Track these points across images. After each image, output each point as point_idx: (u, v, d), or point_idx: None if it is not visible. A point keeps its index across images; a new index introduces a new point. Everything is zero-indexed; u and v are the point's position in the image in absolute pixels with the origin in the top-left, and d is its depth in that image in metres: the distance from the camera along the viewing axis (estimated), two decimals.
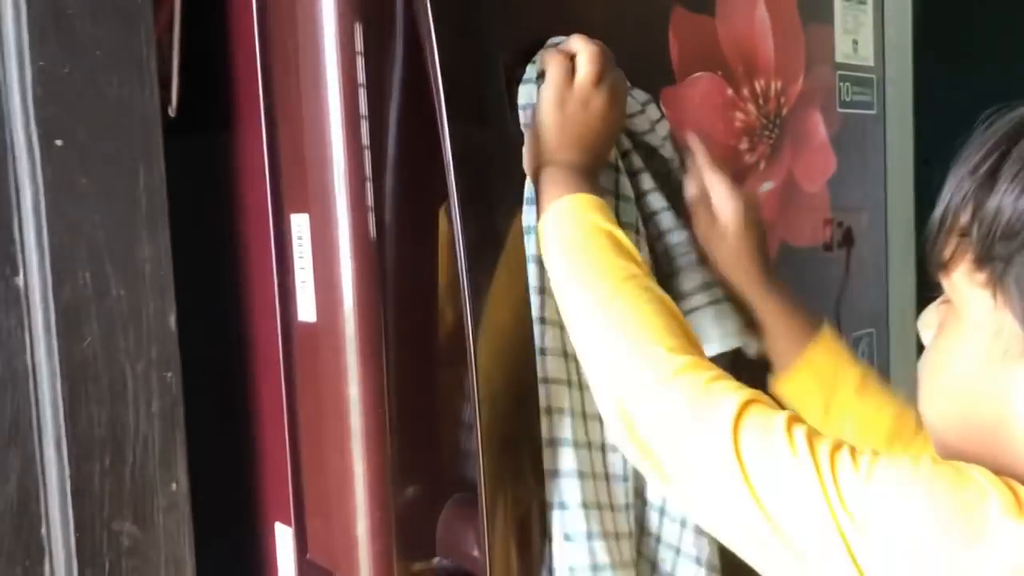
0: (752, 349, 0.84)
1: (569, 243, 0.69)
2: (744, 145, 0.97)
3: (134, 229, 0.76)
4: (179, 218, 0.77)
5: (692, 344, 0.65)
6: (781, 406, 0.60)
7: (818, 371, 0.82)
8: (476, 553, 0.73)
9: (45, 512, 0.74)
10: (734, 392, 0.59)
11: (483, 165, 0.72)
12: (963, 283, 0.57)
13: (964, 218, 0.56)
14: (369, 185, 0.72)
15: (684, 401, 0.60)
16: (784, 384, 0.83)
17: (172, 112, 0.79)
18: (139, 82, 0.76)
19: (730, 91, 0.94)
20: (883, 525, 0.52)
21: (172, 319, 0.77)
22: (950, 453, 0.59)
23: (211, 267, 0.86)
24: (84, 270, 0.74)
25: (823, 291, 1.07)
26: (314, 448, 0.78)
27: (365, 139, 0.72)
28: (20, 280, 0.73)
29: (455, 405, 0.75)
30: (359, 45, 0.71)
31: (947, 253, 0.57)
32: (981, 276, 0.55)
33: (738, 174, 0.96)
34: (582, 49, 0.74)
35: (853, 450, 0.54)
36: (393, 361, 0.73)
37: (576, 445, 0.75)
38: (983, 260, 0.55)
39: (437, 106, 0.69)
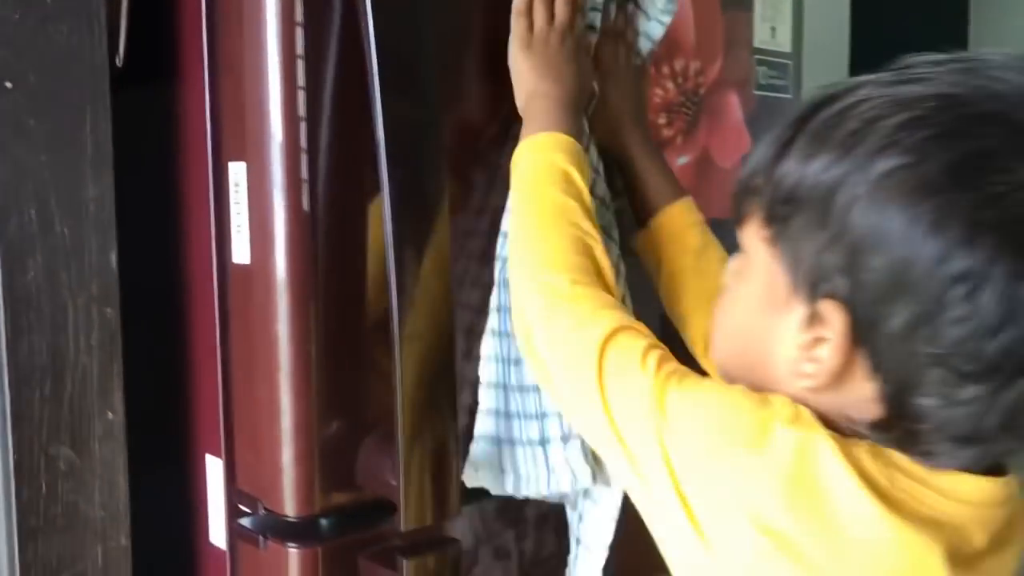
0: None
1: (524, 178, 0.79)
2: (662, 120, 1.03)
3: (79, 170, 0.80)
4: (124, 162, 0.82)
5: (596, 282, 0.73)
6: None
7: (665, 230, 0.91)
8: (393, 482, 0.79)
9: None
10: (612, 318, 0.67)
11: (411, 123, 0.78)
12: (752, 238, 0.63)
13: (758, 181, 0.61)
14: (303, 136, 0.77)
15: (568, 320, 0.69)
16: (636, 239, 0.92)
17: (119, 61, 0.84)
18: (88, 31, 0.80)
19: (651, 69, 1.01)
20: (686, 426, 0.60)
21: (113, 257, 0.82)
22: (731, 382, 0.66)
23: (153, 210, 0.90)
24: (30, 207, 0.78)
25: None
26: (244, 383, 0.84)
27: (301, 96, 0.77)
28: None
29: (378, 345, 0.81)
30: (298, 5, 0.76)
31: (743, 210, 0.63)
32: (765, 233, 0.61)
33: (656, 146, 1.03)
34: None
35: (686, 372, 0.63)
36: (321, 302, 0.79)
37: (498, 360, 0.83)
38: (767, 219, 0.60)
39: (368, 66, 0.75)
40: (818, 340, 0.58)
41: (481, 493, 0.85)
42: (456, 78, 0.87)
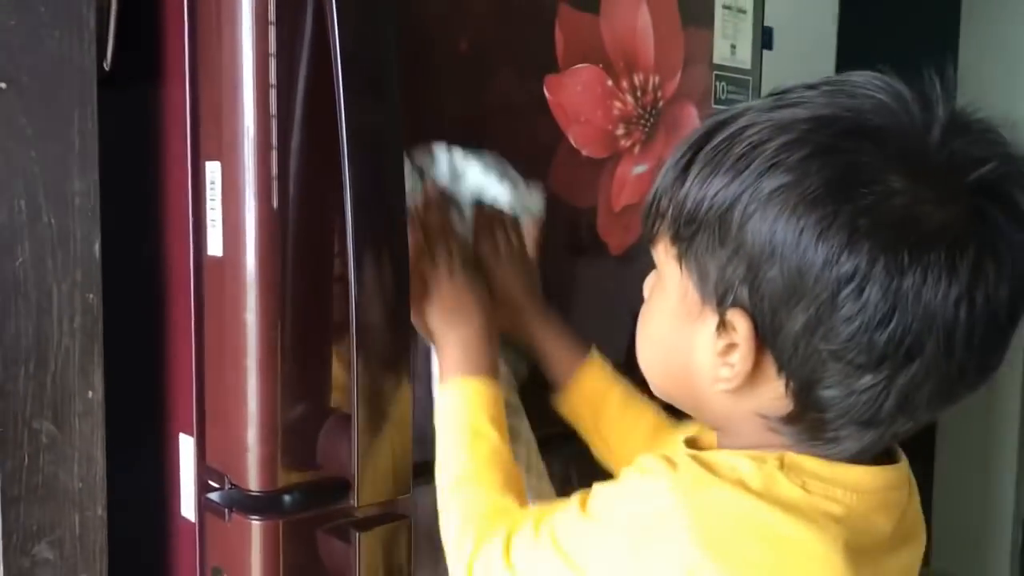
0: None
1: (446, 430, 0.86)
2: (620, 131, 1.09)
3: (67, 166, 0.86)
4: (110, 159, 0.88)
5: (486, 512, 0.81)
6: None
7: (586, 393, 0.97)
8: (349, 462, 0.85)
9: None
10: (466, 557, 0.78)
11: (372, 124, 0.84)
12: (662, 255, 0.68)
13: (664, 203, 0.66)
14: (274, 137, 0.83)
15: (457, 563, 0.80)
16: (560, 405, 0.98)
17: (107, 66, 0.90)
18: (79, 37, 0.87)
19: (610, 82, 1.07)
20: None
21: (97, 247, 0.88)
22: (660, 392, 0.74)
23: (135, 204, 0.96)
24: (20, 198, 0.84)
25: None
26: (216, 367, 0.90)
27: (272, 95, 0.83)
28: None
29: (339, 335, 0.87)
30: (272, 15, 0.83)
31: (652, 231, 0.69)
32: (674, 250, 0.66)
33: (613, 156, 1.09)
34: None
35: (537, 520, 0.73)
36: (287, 294, 0.85)
37: None
38: (674, 239, 0.66)
39: (335, 73, 0.81)
40: (730, 346, 0.63)
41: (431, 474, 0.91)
42: (418, 81, 0.93)
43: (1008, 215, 0.59)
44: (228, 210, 0.86)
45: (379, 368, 0.85)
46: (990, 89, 2.73)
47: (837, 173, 0.58)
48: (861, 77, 0.62)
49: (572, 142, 1.05)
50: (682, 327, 0.67)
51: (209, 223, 0.88)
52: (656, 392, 0.76)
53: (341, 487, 0.87)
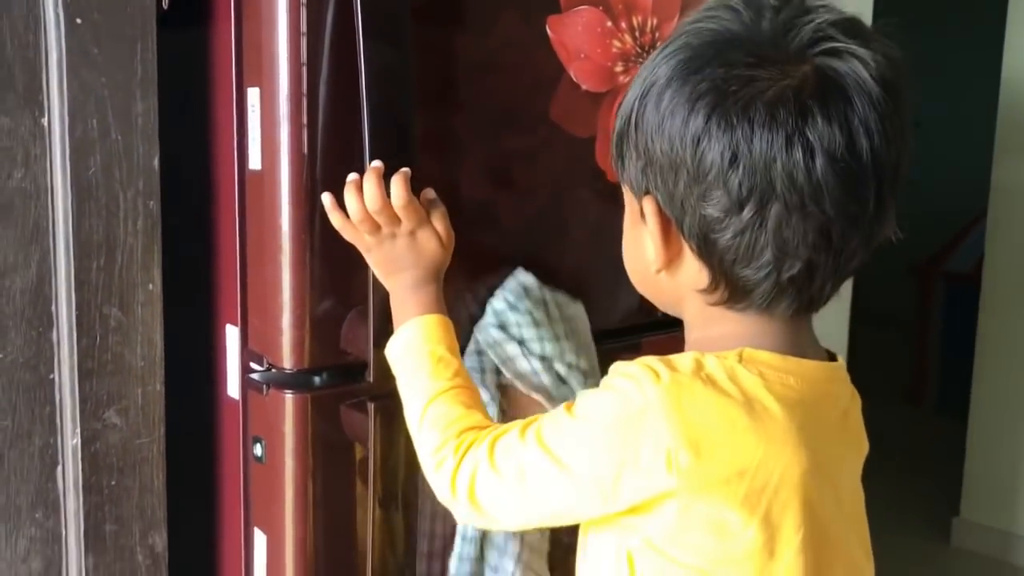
0: None
1: (401, 370, 0.92)
2: (619, 68, 1.21)
3: (131, 90, 1.01)
4: (168, 87, 1.03)
5: (462, 428, 0.86)
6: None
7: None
8: (367, 346, 1.00)
9: (55, 294, 1.01)
10: (449, 470, 0.83)
11: (388, 62, 0.98)
12: (628, 190, 0.79)
13: (627, 142, 0.76)
14: (304, 70, 0.98)
15: (439, 481, 0.85)
16: None
17: (164, 4, 1.05)
18: None
19: (609, 23, 1.19)
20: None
21: (156, 160, 1.04)
22: (648, 297, 0.84)
23: (188, 126, 1.12)
24: (92, 117, 1.00)
25: None
26: (257, 265, 1.05)
27: (303, 41, 0.97)
28: (45, 120, 0.99)
29: None
30: None
31: (618, 166, 0.79)
32: (620, 173, 0.78)
33: (612, 91, 1.21)
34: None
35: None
36: (317, 201, 0.99)
37: None
38: (633, 181, 0.77)
39: (355, 17, 0.95)
40: (652, 229, 0.75)
41: None
42: (429, 23, 1.05)
43: (843, 64, 0.69)
44: (266, 129, 1.01)
45: None
46: None
47: (695, 55, 0.71)
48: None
49: (573, 77, 1.17)
50: (636, 234, 0.79)
51: (250, 141, 1.03)
52: (639, 289, 0.85)
53: (361, 369, 1.02)
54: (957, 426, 3.08)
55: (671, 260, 0.76)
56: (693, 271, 0.76)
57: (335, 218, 0.94)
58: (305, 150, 0.99)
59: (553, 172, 1.18)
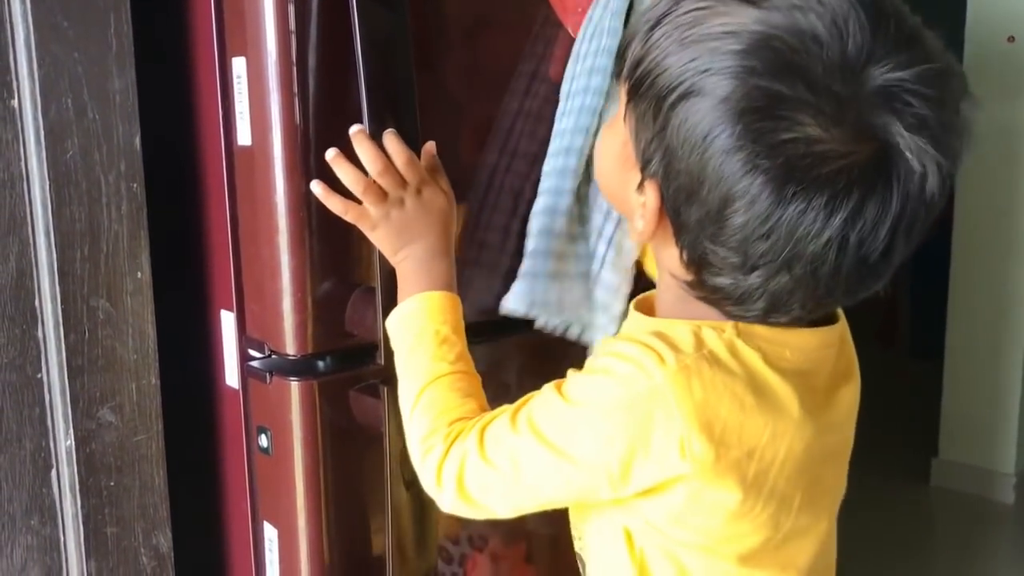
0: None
1: (400, 345, 0.86)
2: None
3: (106, 65, 0.94)
4: (146, 61, 0.96)
5: (454, 418, 0.81)
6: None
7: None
8: (374, 325, 0.94)
9: (38, 287, 0.95)
10: (436, 459, 0.78)
11: (382, 23, 0.91)
12: (621, 96, 0.71)
13: (630, 53, 0.68)
14: (294, 33, 0.91)
15: (425, 470, 0.80)
16: None
17: None
18: None
19: None
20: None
21: (137, 140, 0.97)
22: (607, 197, 0.80)
23: (170, 99, 1.05)
24: (66, 97, 0.93)
25: None
26: (251, 247, 0.99)
27: (290, 5, 0.91)
28: (15, 102, 0.92)
29: None
30: None
31: (620, 68, 0.71)
32: (626, 100, 0.69)
33: None
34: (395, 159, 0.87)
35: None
36: (313, 176, 0.93)
37: None
38: (627, 90, 0.69)
39: None
40: (644, 202, 0.69)
41: None
42: None
43: (918, 181, 0.62)
44: (255, 102, 0.94)
45: None
46: None
47: (759, 98, 0.61)
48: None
49: (571, 32, 1.11)
50: (621, 166, 0.72)
51: (238, 115, 0.96)
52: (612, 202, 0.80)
53: (369, 351, 0.97)
54: (931, 367, 3.10)
55: (657, 237, 0.71)
56: (673, 261, 0.71)
57: (334, 203, 0.87)
58: (299, 122, 0.93)
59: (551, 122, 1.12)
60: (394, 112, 0.92)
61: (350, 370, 0.99)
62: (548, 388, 0.75)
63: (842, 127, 0.61)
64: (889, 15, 0.63)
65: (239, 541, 1.07)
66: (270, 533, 1.02)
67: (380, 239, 0.88)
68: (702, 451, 0.67)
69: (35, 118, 0.92)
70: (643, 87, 0.66)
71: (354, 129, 0.86)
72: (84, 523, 0.99)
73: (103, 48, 0.94)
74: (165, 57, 1.04)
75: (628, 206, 0.72)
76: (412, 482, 0.98)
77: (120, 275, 0.98)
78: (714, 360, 0.68)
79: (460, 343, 0.86)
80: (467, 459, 0.77)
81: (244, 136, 0.96)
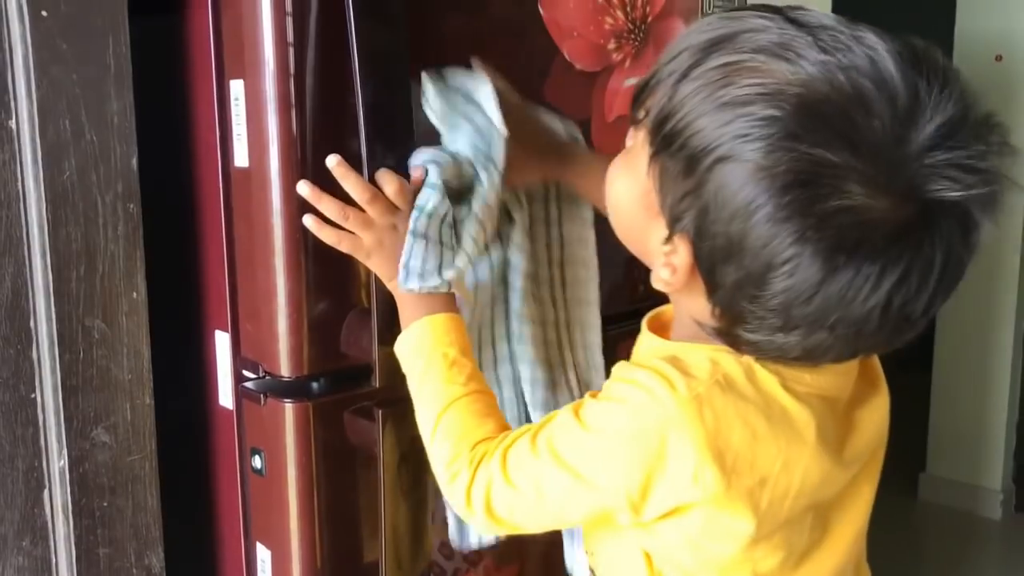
0: None
1: (411, 372, 0.87)
2: (612, 45, 1.17)
3: (104, 87, 0.95)
4: (143, 81, 0.96)
5: (476, 440, 0.82)
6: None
7: None
8: (370, 348, 0.95)
9: (33, 307, 0.94)
10: (463, 484, 0.79)
11: (381, 44, 0.92)
12: (641, 143, 0.71)
13: (653, 100, 0.67)
14: (291, 56, 0.92)
15: (454, 494, 0.81)
16: None
17: None
18: None
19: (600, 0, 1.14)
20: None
21: (134, 161, 0.97)
22: (627, 245, 0.78)
23: (168, 121, 1.05)
24: (64, 117, 0.93)
25: None
26: (247, 268, 0.99)
27: (289, 22, 0.91)
28: (13, 123, 0.92)
29: None
30: None
31: (639, 115, 0.71)
32: (649, 149, 0.68)
33: (606, 70, 1.17)
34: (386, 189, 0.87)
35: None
36: None
37: None
38: (651, 141, 0.68)
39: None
40: (671, 253, 0.69)
41: None
42: (421, 2, 1.00)
43: (961, 233, 0.62)
44: (252, 124, 0.95)
45: None
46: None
47: (805, 167, 0.60)
48: (865, 48, 0.61)
49: (566, 56, 1.12)
50: (642, 213, 0.72)
51: (235, 137, 0.97)
52: (620, 236, 0.79)
53: (364, 373, 0.97)
54: (918, 381, 3.12)
55: (685, 288, 0.70)
56: (699, 309, 0.71)
57: (327, 234, 0.87)
58: (296, 144, 0.93)
59: None
60: (391, 135, 0.92)
61: (345, 392, 0.99)
62: (566, 411, 0.75)
63: (889, 191, 0.60)
64: (921, 59, 0.61)
65: (232, 562, 1.07)
66: (263, 554, 1.02)
67: (377, 266, 0.89)
68: (713, 480, 0.67)
69: (33, 139, 0.92)
70: (673, 145, 0.65)
71: (331, 161, 0.86)
72: (76, 544, 0.98)
73: (101, 70, 0.94)
74: (162, 78, 1.04)
75: (647, 252, 0.72)
76: (406, 504, 0.99)
77: (116, 295, 0.98)
78: (728, 385, 0.69)
79: (469, 363, 0.87)
80: (492, 483, 0.78)
81: (241, 158, 0.96)
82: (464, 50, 1.03)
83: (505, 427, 0.84)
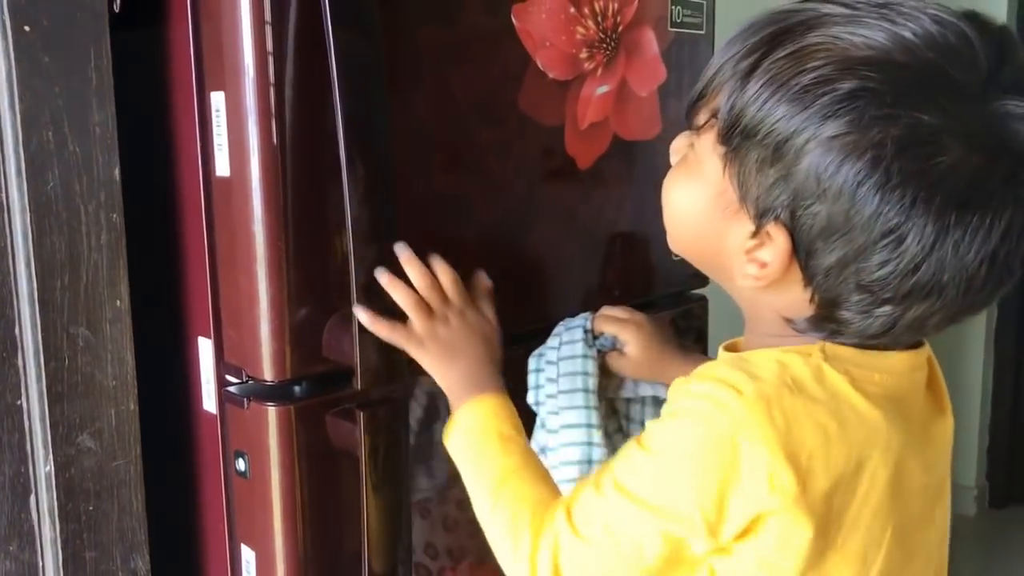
0: None
1: (464, 455, 0.88)
2: (584, 54, 1.20)
3: (86, 99, 0.96)
4: (125, 94, 0.98)
5: (534, 503, 0.80)
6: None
7: None
8: (352, 351, 0.97)
9: (18, 315, 0.96)
10: (526, 552, 0.76)
11: (357, 52, 0.94)
12: (707, 147, 0.70)
13: (718, 101, 0.67)
14: (271, 68, 0.94)
15: (517, 564, 0.78)
16: None
17: (117, 8, 1.00)
18: None
19: (572, 9, 1.17)
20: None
21: (117, 171, 0.99)
22: (686, 258, 0.78)
23: (149, 132, 1.07)
24: (47, 129, 0.95)
25: (652, 174, 1.32)
26: (229, 275, 1.01)
27: (268, 31, 0.93)
28: None
29: (338, 241, 0.98)
30: None
31: (700, 120, 0.70)
32: (721, 149, 0.68)
33: (578, 78, 1.20)
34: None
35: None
36: (289, 205, 0.96)
37: None
38: (723, 140, 0.68)
39: (323, 7, 0.91)
40: (759, 247, 0.68)
41: None
42: (396, 13, 1.02)
43: None
44: (233, 135, 0.97)
45: (373, 268, 0.96)
46: None
47: (899, 132, 0.60)
48: (927, 14, 0.62)
49: (540, 66, 1.15)
50: (715, 217, 0.71)
51: (216, 147, 0.99)
52: (679, 254, 0.79)
53: (345, 376, 0.99)
54: None
55: (774, 284, 0.70)
56: (789, 302, 0.71)
57: (380, 327, 0.91)
58: (277, 154, 0.95)
59: (525, 162, 1.16)
60: (369, 144, 0.95)
61: (327, 395, 1.01)
62: (629, 445, 0.73)
63: (983, 145, 0.61)
64: (979, 19, 0.63)
65: (217, 563, 1.09)
66: (247, 555, 1.04)
67: (429, 357, 0.92)
68: (789, 483, 0.65)
69: (16, 151, 0.93)
70: (755, 137, 0.66)
71: (401, 250, 0.91)
72: (63, 548, 1.00)
73: (83, 82, 0.96)
74: (142, 89, 1.06)
75: (722, 256, 0.72)
76: (388, 505, 1.01)
77: (100, 303, 1.00)
78: (797, 387, 0.67)
79: (521, 438, 0.86)
80: (560, 542, 0.74)
81: (223, 167, 0.98)
82: (439, 60, 1.06)
83: (559, 491, 0.83)
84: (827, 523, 0.68)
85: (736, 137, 0.67)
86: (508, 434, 0.86)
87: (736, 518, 0.67)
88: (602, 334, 1.05)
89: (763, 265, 0.68)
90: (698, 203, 0.73)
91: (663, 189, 0.78)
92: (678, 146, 0.77)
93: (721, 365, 0.71)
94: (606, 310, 1.06)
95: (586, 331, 1.04)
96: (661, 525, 0.69)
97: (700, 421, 0.67)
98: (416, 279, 0.90)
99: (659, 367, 1.04)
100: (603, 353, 1.05)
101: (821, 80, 0.62)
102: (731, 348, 0.80)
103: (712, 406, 0.67)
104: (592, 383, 1.00)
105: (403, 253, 0.93)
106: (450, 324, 0.91)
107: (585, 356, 1.01)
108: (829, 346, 0.70)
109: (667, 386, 0.86)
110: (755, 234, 0.68)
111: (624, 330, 1.04)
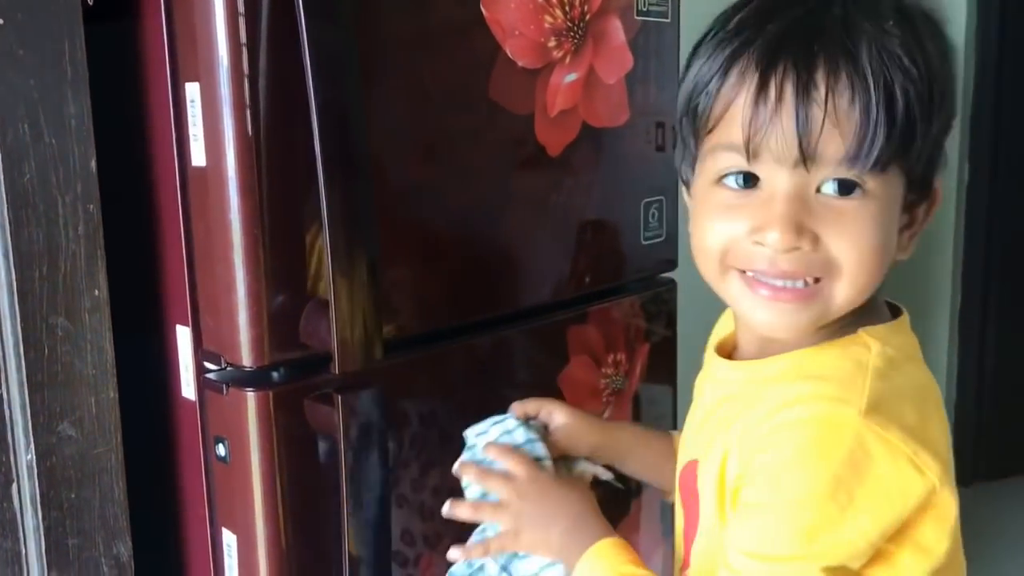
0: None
1: None
2: (552, 43, 1.22)
3: (62, 92, 0.97)
4: (100, 86, 0.99)
5: None
6: None
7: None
8: (329, 336, 0.99)
9: None
10: None
11: (333, 47, 0.96)
12: (881, 185, 0.69)
13: (927, 121, 0.69)
14: (245, 58, 0.96)
15: None
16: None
17: (90, 1, 1.01)
18: None
19: None
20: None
21: (93, 163, 1.00)
22: (862, 298, 0.74)
23: (125, 123, 1.08)
24: (23, 122, 0.96)
25: (621, 160, 1.35)
26: (206, 264, 1.03)
27: (242, 23, 0.95)
28: None
29: (313, 227, 1.00)
30: None
31: (883, 159, 0.68)
32: (895, 167, 0.69)
33: (547, 66, 1.22)
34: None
35: None
36: (264, 193, 0.98)
37: None
38: (919, 161, 0.71)
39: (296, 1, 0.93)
40: (914, 207, 0.74)
41: (400, 347, 1.06)
42: (368, 4, 1.04)
43: None
44: (208, 125, 0.98)
45: (349, 255, 0.98)
46: None
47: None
48: None
49: (509, 54, 1.17)
50: (889, 242, 0.72)
51: (192, 137, 1.00)
52: (858, 302, 0.74)
53: (323, 361, 1.01)
54: None
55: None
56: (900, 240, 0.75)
57: (477, 550, 0.89)
58: (252, 143, 0.97)
59: (496, 149, 1.18)
60: (344, 133, 0.97)
61: (304, 380, 1.03)
62: (743, 517, 0.71)
63: None
64: None
65: (198, 547, 1.10)
66: (228, 539, 1.06)
67: (531, 539, 0.88)
68: (930, 462, 0.67)
69: None
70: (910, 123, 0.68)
71: (448, 510, 0.91)
72: (46, 536, 1.01)
73: (58, 75, 0.97)
74: (116, 81, 1.07)
75: (886, 264, 0.74)
76: (366, 488, 1.03)
77: (78, 294, 1.01)
78: (881, 376, 0.68)
79: (642, 567, 0.83)
80: None
81: (198, 157, 1.00)
82: (410, 49, 1.08)
83: None
84: (956, 495, 0.70)
85: (910, 133, 0.69)
86: (629, 572, 0.82)
87: (895, 524, 0.67)
88: (531, 418, 1.01)
89: (913, 219, 0.75)
90: (891, 237, 0.73)
91: (854, 248, 0.71)
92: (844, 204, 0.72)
93: (794, 382, 0.70)
94: (516, 404, 1.02)
95: (518, 419, 0.99)
96: (822, 563, 0.67)
97: (820, 448, 0.66)
98: (477, 483, 0.90)
99: (596, 428, 1.03)
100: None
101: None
102: (722, 347, 0.83)
103: (821, 429, 0.66)
104: (549, 464, 0.96)
105: (454, 510, 0.91)
106: (525, 497, 0.88)
107: (532, 440, 0.97)
108: (863, 332, 0.72)
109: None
110: (913, 206, 0.74)
111: (544, 404, 1.01)
